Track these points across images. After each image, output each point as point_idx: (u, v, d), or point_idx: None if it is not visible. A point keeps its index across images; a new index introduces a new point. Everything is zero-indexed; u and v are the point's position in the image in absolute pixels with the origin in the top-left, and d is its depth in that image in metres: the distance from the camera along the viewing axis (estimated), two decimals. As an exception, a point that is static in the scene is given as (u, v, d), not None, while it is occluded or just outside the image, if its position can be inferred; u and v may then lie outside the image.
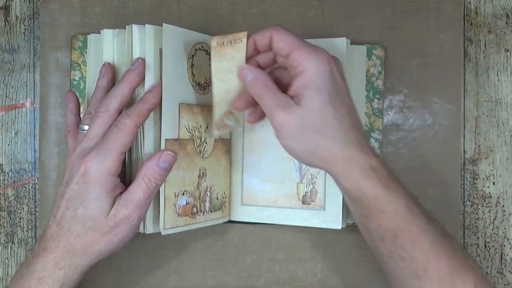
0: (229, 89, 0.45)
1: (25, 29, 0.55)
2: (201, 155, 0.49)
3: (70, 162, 0.43)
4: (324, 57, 0.41)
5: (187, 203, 0.47)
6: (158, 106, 0.44)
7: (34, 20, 0.55)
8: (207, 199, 0.50)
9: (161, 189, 0.45)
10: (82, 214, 0.41)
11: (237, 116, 0.48)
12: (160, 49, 0.45)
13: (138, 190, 0.42)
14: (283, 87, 0.42)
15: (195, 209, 0.48)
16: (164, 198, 0.45)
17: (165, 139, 0.45)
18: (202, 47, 0.49)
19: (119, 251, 0.44)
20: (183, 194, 0.47)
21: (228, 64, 0.44)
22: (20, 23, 0.55)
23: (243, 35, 0.43)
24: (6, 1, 0.55)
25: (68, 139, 0.47)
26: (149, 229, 0.46)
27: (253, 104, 0.44)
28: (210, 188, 0.50)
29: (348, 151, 0.40)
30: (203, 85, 0.49)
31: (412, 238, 0.40)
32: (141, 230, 0.46)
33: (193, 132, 0.48)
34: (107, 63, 0.47)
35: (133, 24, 0.45)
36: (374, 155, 0.41)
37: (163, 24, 0.44)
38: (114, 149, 0.41)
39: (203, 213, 0.49)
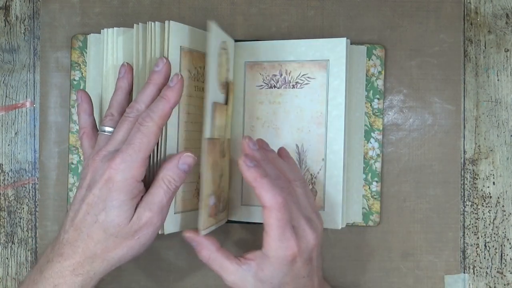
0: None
1: (25, 29, 0.55)
2: (222, 154, 0.48)
3: (92, 165, 0.41)
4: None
5: (214, 203, 0.46)
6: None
7: (34, 20, 0.55)
8: (221, 199, 0.49)
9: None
10: (104, 220, 0.40)
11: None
12: (180, 46, 0.44)
13: (159, 192, 0.41)
14: None
15: (217, 210, 0.47)
16: (202, 199, 0.44)
17: (207, 138, 0.43)
18: (225, 47, 0.48)
19: (138, 256, 0.43)
20: (212, 194, 0.46)
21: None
22: (20, 23, 0.55)
23: None
24: (6, 1, 0.55)
25: (83, 141, 0.46)
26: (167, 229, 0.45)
27: None
28: (223, 187, 0.49)
29: None
30: (223, 84, 0.48)
31: None
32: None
33: (220, 132, 0.47)
34: (127, 63, 0.46)
35: (171, 21, 0.44)
36: None
37: (209, 22, 0.43)
38: (140, 155, 0.40)
39: (219, 214, 0.48)
